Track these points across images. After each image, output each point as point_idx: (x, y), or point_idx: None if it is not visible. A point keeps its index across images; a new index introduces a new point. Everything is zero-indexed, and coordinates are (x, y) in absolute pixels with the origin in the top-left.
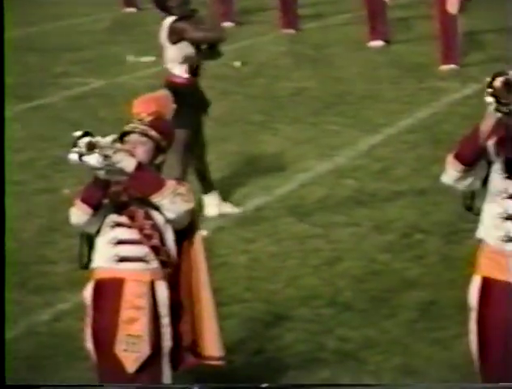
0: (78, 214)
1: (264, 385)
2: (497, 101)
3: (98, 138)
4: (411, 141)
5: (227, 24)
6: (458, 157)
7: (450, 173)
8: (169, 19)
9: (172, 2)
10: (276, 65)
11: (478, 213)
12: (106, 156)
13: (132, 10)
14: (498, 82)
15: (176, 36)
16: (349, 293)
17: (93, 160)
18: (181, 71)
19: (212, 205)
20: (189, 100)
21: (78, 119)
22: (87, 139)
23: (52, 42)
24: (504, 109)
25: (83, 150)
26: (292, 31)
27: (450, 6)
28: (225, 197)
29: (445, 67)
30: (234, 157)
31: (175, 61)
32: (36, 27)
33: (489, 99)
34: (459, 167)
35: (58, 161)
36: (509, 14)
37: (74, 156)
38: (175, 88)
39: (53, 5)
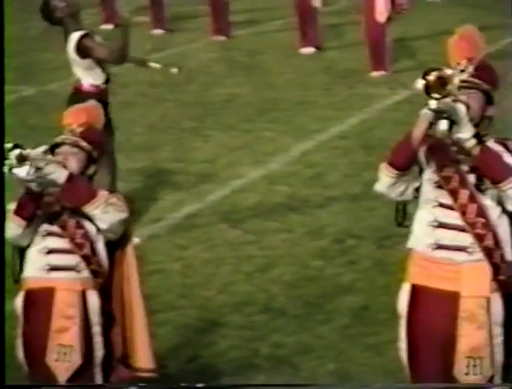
0: (12, 227)
1: (200, 385)
2: (428, 93)
3: (28, 150)
4: (343, 147)
5: (158, 32)
6: (391, 163)
7: (384, 180)
8: (75, 35)
9: (59, 13)
10: (208, 71)
11: (408, 226)
12: (37, 168)
13: None
14: (432, 76)
15: (84, 53)
16: (282, 299)
17: (23, 172)
18: (89, 80)
19: None
20: None
21: (9, 127)
22: (17, 151)
23: None
24: (434, 104)
25: (14, 162)
26: (223, 37)
27: (378, 15)
28: (157, 204)
29: (375, 74)
30: (166, 164)
31: (84, 71)
32: None
33: (419, 86)
34: (393, 172)
35: None
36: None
37: (4, 169)
38: (81, 97)
39: None
